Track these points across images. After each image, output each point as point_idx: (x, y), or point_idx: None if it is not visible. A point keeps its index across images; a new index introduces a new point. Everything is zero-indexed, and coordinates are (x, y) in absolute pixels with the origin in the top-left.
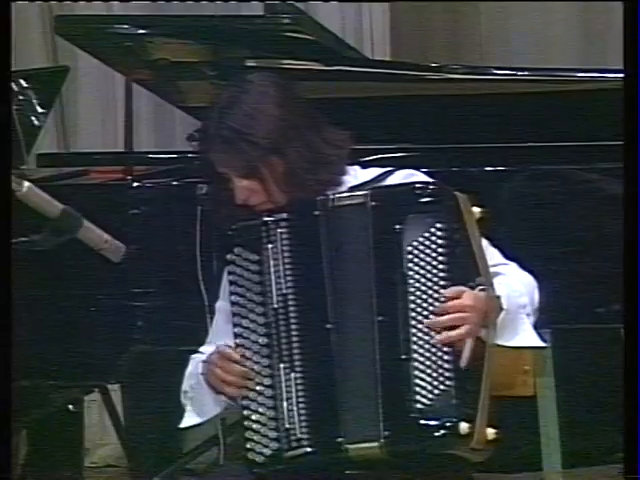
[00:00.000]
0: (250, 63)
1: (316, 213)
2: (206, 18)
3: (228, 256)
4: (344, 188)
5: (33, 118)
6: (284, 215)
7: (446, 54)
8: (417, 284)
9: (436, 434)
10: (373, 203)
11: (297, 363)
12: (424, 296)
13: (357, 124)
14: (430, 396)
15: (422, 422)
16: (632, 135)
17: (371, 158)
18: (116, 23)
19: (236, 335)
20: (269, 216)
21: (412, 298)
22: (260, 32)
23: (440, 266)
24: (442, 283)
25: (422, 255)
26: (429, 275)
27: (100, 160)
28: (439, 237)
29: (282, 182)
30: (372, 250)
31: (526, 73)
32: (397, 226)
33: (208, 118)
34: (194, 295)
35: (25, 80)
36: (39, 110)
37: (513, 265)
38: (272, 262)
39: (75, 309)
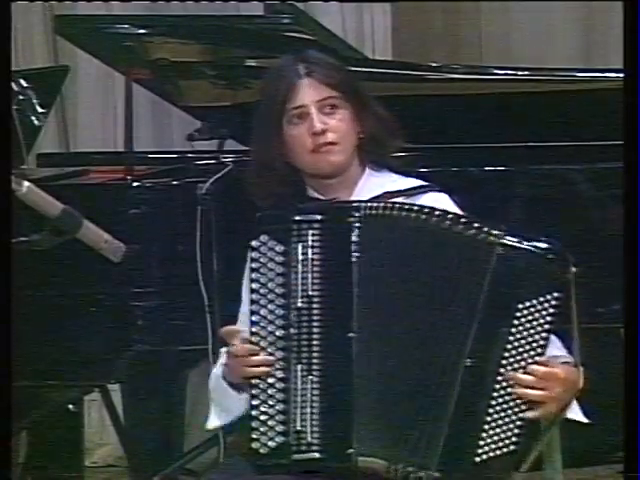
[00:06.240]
0: (250, 63)
1: (350, 220)
2: (206, 18)
3: (253, 242)
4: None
5: (33, 118)
6: (317, 217)
7: (446, 54)
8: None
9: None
10: (501, 250)
11: (315, 367)
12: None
13: None
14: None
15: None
16: (632, 135)
17: None
18: (116, 23)
19: (253, 323)
20: (301, 215)
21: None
22: (260, 32)
23: (543, 334)
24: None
25: (531, 317)
26: (530, 336)
27: (100, 160)
28: (552, 306)
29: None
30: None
31: (526, 73)
32: (512, 282)
33: None
34: (194, 295)
35: (25, 80)
36: (39, 110)
37: None
38: (300, 262)
39: (75, 309)
